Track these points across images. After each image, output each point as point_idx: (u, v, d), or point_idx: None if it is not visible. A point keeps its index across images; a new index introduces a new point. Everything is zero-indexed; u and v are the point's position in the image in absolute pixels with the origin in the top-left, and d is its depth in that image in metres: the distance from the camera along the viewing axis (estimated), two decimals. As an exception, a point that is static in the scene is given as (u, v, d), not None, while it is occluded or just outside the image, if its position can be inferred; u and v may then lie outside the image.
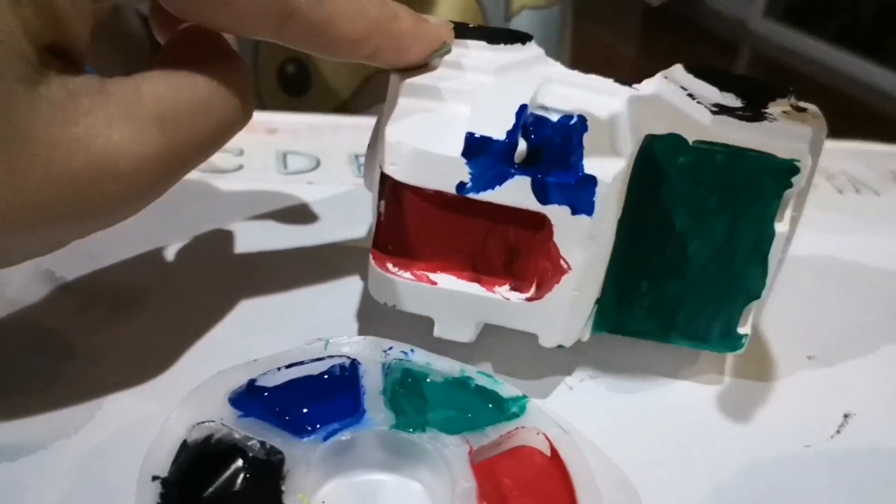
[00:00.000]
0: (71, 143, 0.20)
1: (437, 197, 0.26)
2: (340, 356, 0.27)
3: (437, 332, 0.28)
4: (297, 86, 0.60)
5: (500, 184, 0.25)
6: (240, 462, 0.23)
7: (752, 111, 0.27)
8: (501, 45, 0.29)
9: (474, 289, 0.27)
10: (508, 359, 0.31)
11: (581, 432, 0.28)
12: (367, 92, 0.61)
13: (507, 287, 0.28)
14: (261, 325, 0.31)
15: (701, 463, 0.27)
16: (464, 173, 0.25)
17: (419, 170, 0.25)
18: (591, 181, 0.25)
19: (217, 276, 0.34)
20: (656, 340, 0.30)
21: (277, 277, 0.34)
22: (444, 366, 0.28)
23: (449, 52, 0.28)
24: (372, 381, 0.27)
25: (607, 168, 0.25)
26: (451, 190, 0.25)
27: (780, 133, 0.26)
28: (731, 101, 0.27)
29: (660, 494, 0.26)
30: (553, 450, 0.25)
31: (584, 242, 0.26)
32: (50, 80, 0.20)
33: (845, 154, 0.56)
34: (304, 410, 0.25)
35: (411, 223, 0.27)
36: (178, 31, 0.27)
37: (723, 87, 0.27)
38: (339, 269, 0.35)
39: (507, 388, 0.27)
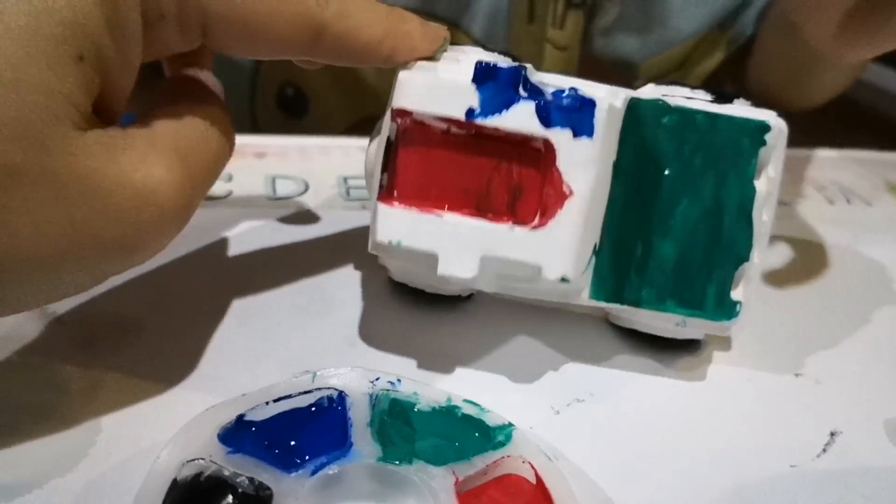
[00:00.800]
0: (118, 176, 0.23)
1: (443, 138, 0.28)
2: (328, 388, 0.28)
3: (441, 269, 0.28)
4: (296, 110, 0.60)
5: (507, 108, 0.27)
6: (229, 498, 0.23)
7: (722, 101, 0.31)
8: (496, 53, 0.31)
9: (479, 221, 0.28)
10: (496, 384, 0.32)
11: (568, 458, 0.28)
12: (366, 123, 0.61)
13: (510, 223, 0.29)
14: (250, 355, 0.32)
15: (688, 487, 0.28)
16: (473, 99, 0.27)
17: (430, 98, 0.28)
18: (591, 104, 0.27)
19: (207, 307, 0.34)
20: (653, 309, 0.31)
21: (266, 307, 0.34)
22: (431, 395, 0.28)
23: (447, 49, 0.31)
24: (359, 413, 0.27)
25: (605, 95, 0.28)
26: (461, 116, 0.27)
27: (749, 110, 0.30)
28: (702, 95, 0.31)
29: (647, 519, 0.26)
30: (538, 478, 0.25)
31: (586, 166, 0.27)
32: (94, 126, 0.23)
33: (835, 163, 0.56)
34: (293, 443, 0.26)
35: (419, 167, 0.28)
36: (168, 78, 0.30)
37: (693, 90, 0.31)
38: (327, 299, 0.35)
39: (493, 416, 0.28)
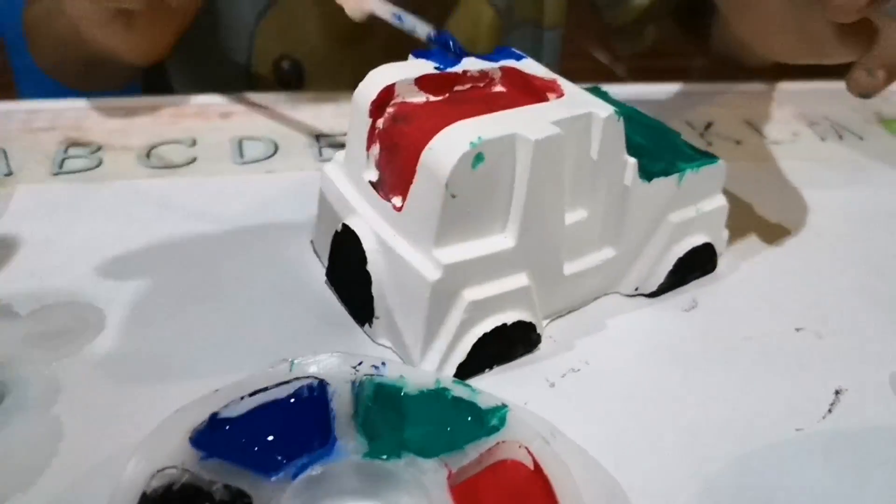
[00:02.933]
0: None
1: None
2: (307, 377, 0.26)
3: None
4: (291, 82, 0.57)
5: (459, 61, 0.31)
6: (205, 508, 0.22)
7: None
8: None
9: None
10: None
11: (566, 435, 0.27)
12: None
13: None
14: (222, 343, 0.29)
15: (692, 457, 0.26)
16: (430, 65, 0.31)
17: (403, 71, 0.30)
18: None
19: (173, 291, 0.32)
20: None
21: (237, 288, 0.32)
22: (419, 377, 0.27)
23: None
24: (342, 403, 0.25)
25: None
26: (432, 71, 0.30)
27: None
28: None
29: (650, 496, 0.25)
30: (536, 463, 0.24)
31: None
32: None
33: (827, 97, 0.54)
34: (271, 440, 0.24)
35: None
36: None
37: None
38: (302, 276, 0.33)
39: (485, 397, 0.26)
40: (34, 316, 0.30)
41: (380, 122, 0.29)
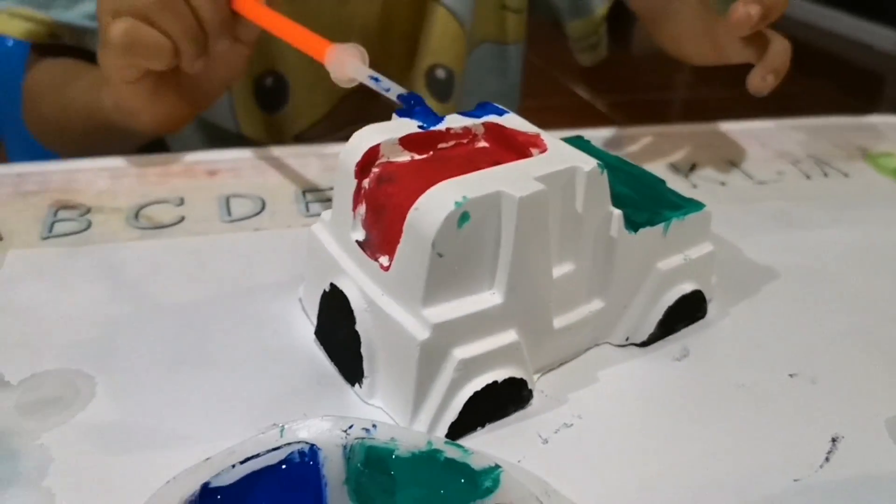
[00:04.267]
0: None
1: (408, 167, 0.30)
2: (298, 442, 0.26)
3: None
4: (273, 100, 0.59)
5: (441, 120, 0.31)
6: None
7: None
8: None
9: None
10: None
11: (560, 493, 0.26)
12: (343, 110, 0.60)
13: None
14: (212, 407, 0.29)
15: (688, 513, 0.26)
16: (414, 125, 0.31)
17: (387, 131, 0.30)
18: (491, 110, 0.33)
19: (163, 355, 0.32)
20: None
21: (227, 350, 0.32)
22: (410, 439, 0.26)
23: None
24: (333, 468, 0.25)
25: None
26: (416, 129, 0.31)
27: None
28: None
29: (648, 556, 0.25)
30: (533, 527, 0.24)
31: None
32: None
33: (810, 133, 0.55)
34: (260, 517, 0.24)
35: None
36: None
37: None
38: (291, 333, 0.33)
39: (478, 457, 0.26)
40: (25, 384, 0.30)
41: (365, 183, 0.29)
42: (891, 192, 0.48)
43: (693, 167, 0.49)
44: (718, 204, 0.45)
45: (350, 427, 0.26)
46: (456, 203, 0.26)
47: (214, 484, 0.24)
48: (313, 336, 0.33)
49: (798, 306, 0.37)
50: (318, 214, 0.42)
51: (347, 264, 0.30)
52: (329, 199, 0.42)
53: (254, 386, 0.30)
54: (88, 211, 0.41)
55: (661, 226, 0.32)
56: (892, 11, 2.74)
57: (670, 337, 0.34)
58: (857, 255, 0.41)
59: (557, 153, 0.30)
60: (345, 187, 0.30)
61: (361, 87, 0.35)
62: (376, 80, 0.34)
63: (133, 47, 0.39)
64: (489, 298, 0.28)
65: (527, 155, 0.30)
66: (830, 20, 2.92)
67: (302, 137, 0.60)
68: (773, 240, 0.42)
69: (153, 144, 0.53)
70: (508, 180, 0.27)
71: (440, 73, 0.60)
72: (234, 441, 0.25)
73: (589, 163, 0.29)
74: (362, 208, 0.29)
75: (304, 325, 0.33)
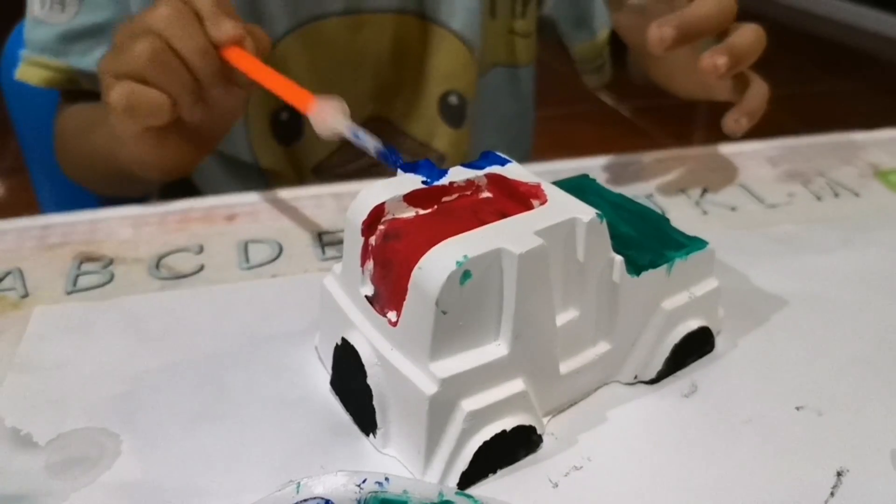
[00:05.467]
0: None
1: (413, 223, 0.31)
2: (314, 498, 0.27)
3: None
4: (289, 133, 0.60)
5: (444, 175, 0.32)
6: None
7: None
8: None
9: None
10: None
11: (571, 540, 0.27)
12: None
13: None
14: (232, 461, 0.30)
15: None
16: (418, 180, 0.32)
17: (391, 189, 0.31)
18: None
19: (184, 410, 0.33)
20: None
21: (246, 402, 0.33)
22: (422, 490, 0.27)
23: None
24: (349, 524, 0.26)
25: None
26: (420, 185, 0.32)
27: None
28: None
29: None
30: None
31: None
32: None
33: (821, 151, 0.55)
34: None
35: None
36: None
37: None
38: (308, 385, 0.34)
39: (489, 507, 0.27)
40: (53, 445, 0.31)
41: (372, 240, 0.30)
42: (902, 210, 0.48)
43: (704, 192, 0.50)
44: (728, 230, 0.45)
45: (363, 481, 0.27)
46: (457, 262, 0.27)
47: (234, 543, 0.25)
48: (328, 384, 0.34)
49: (805, 336, 0.37)
50: (335, 257, 0.43)
51: (358, 318, 0.31)
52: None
53: (272, 437, 0.31)
54: (111, 262, 0.43)
55: (664, 267, 0.33)
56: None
57: (679, 372, 0.35)
58: (866, 279, 0.41)
59: (557, 204, 0.30)
60: (353, 244, 0.31)
61: None
62: (357, 135, 0.35)
63: (133, 109, 0.41)
64: (495, 350, 0.29)
65: (528, 206, 0.31)
66: (863, 18, 2.87)
67: (321, 167, 0.62)
68: (782, 266, 0.42)
69: (180, 181, 0.55)
70: (509, 237, 0.28)
71: (453, 100, 0.62)
72: (255, 495, 0.26)
73: (588, 213, 0.30)
74: (370, 264, 0.30)
75: (320, 373, 0.35)
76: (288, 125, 0.60)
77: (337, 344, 0.32)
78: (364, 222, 0.30)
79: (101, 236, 0.45)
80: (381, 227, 0.30)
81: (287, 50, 0.57)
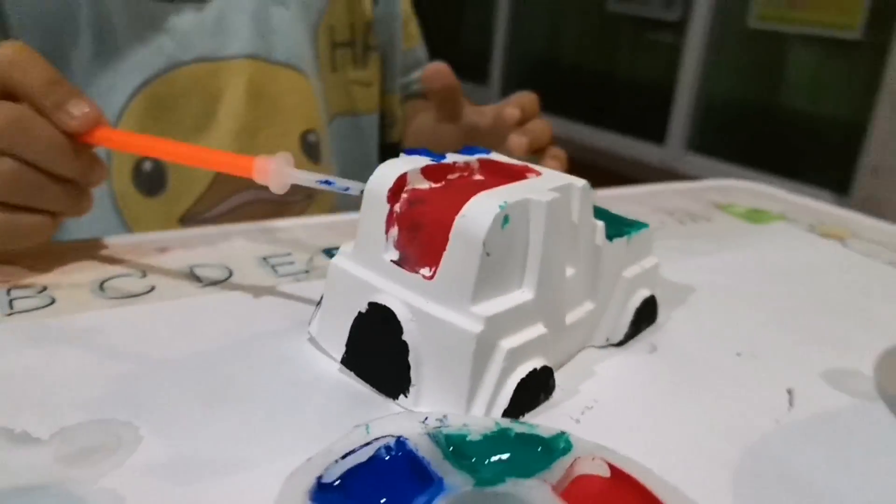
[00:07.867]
0: None
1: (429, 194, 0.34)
2: (388, 436, 0.27)
3: None
4: (152, 184, 0.59)
5: (443, 157, 0.36)
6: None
7: None
8: None
9: None
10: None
11: (611, 448, 0.30)
12: (223, 181, 0.61)
13: None
14: (262, 433, 0.30)
15: (711, 450, 0.31)
16: (426, 159, 0.35)
17: (407, 164, 0.34)
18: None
19: (195, 396, 0.32)
20: None
21: (257, 386, 0.33)
22: (480, 423, 0.29)
23: None
24: (429, 451, 0.27)
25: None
26: (430, 161, 0.35)
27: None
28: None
29: (691, 484, 0.28)
30: (613, 467, 0.27)
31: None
32: None
33: (669, 195, 0.65)
34: (383, 491, 0.25)
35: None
36: None
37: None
38: (315, 370, 0.34)
39: (543, 429, 0.29)
40: (58, 438, 0.29)
41: (397, 207, 0.33)
42: (747, 228, 0.59)
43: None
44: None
45: (425, 419, 0.28)
46: (500, 206, 0.30)
47: (326, 479, 0.25)
48: (336, 369, 0.34)
49: (722, 306, 0.44)
50: (290, 274, 0.43)
51: (384, 283, 0.32)
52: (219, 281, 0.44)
53: (296, 411, 0.31)
54: (45, 289, 0.40)
55: (625, 238, 0.38)
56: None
57: (637, 337, 0.40)
58: (751, 269, 0.50)
59: (551, 175, 0.35)
60: (375, 213, 0.33)
61: None
62: (328, 182, 0.37)
63: (12, 240, 0.40)
64: (521, 295, 0.32)
65: (526, 178, 0.35)
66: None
67: (186, 216, 0.61)
68: (681, 265, 0.50)
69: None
70: (532, 191, 0.32)
71: (311, 138, 0.66)
72: (296, 458, 0.26)
73: (580, 181, 0.35)
74: (394, 231, 0.33)
75: (324, 359, 0.35)
76: (151, 176, 0.59)
77: (360, 312, 0.33)
78: (390, 190, 0.32)
79: (24, 267, 0.42)
80: (404, 195, 0.33)
81: (139, 103, 0.57)
